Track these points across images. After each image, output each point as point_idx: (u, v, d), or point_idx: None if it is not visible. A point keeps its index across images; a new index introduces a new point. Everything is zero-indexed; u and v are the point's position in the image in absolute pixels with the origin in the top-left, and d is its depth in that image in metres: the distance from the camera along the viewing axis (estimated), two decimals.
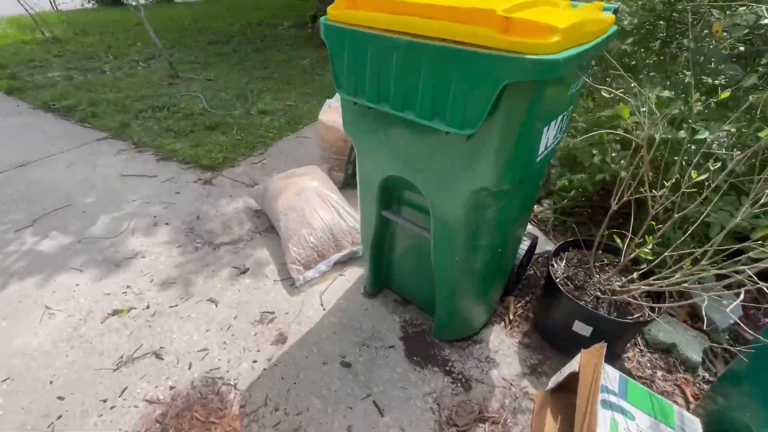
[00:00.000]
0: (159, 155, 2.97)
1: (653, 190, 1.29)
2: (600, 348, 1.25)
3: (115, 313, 1.71)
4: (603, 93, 1.40)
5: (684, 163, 1.59)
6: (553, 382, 1.37)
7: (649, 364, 1.58)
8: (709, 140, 1.50)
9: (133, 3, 4.81)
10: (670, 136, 1.36)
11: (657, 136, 1.26)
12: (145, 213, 2.35)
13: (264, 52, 5.61)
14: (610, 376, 1.24)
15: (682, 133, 1.55)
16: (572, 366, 1.30)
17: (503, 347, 1.63)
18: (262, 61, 5.19)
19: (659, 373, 1.54)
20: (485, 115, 0.91)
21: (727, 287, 1.51)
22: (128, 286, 1.85)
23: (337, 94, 2.48)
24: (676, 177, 1.27)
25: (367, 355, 1.57)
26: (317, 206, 2.00)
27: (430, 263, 1.49)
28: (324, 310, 1.76)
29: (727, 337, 1.64)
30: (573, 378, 1.29)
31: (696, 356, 1.55)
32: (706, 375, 1.53)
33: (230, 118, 3.51)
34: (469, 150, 1.03)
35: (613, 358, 1.57)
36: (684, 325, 1.68)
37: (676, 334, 1.62)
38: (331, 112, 2.45)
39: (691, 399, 1.46)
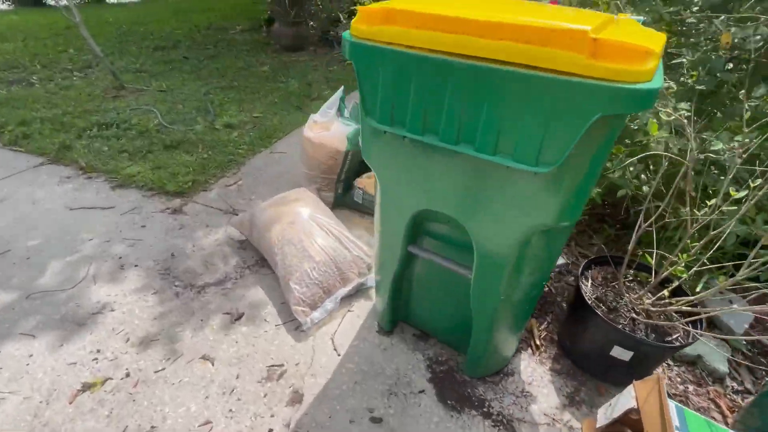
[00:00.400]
0: (113, 182, 2.60)
1: (694, 210, 1.26)
2: (658, 380, 1.18)
3: (87, 387, 1.41)
4: (662, 115, 1.34)
5: (693, 173, 1.59)
6: (605, 417, 1.29)
7: (679, 379, 1.56)
8: (721, 152, 1.50)
9: (64, 2, 4.23)
10: (708, 155, 1.33)
11: (693, 153, 1.22)
12: (106, 254, 2.01)
13: (219, 59, 5.20)
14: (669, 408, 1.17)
15: (692, 144, 1.54)
16: (627, 401, 1.23)
17: (536, 377, 1.54)
18: (219, 68, 4.80)
19: (691, 388, 1.53)
20: (568, 151, 0.79)
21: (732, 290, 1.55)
22: (98, 351, 1.54)
23: (322, 108, 2.29)
24: (714, 195, 1.24)
25: (398, 405, 1.40)
26: (316, 236, 1.81)
27: (457, 297, 1.37)
28: (339, 355, 1.57)
29: (744, 342, 1.66)
30: (628, 413, 1.21)
31: (723, 367, 1.55)
32: (734, 385, 1.54)
33: (192, 134, 3.17)
34: (534, 186, 0.91)
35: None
36: (704, 334, 1.68)
37: (699, 344, 1.61)
38: (317, 128, 2.25)
39: (726, 413, 1.45)
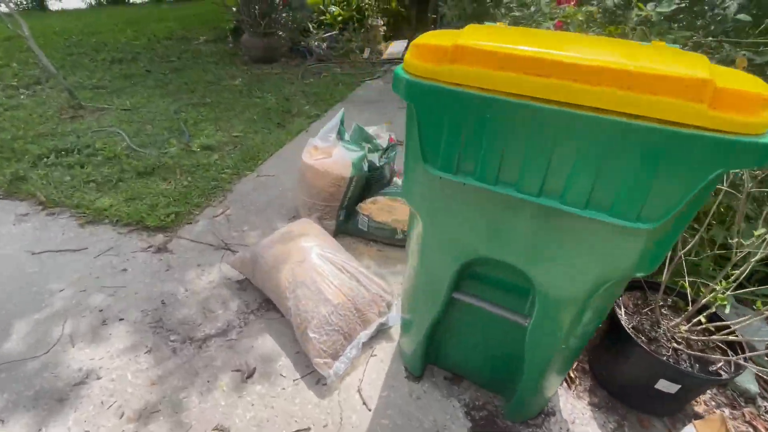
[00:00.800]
0: (82, 218, 2.30)
1: (742, 240, 1.24)
2: (723, 421, 1.15)
3: None
4: None
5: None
6: None
7: (713, 403, 1.54)
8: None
9: (3, 9, 3.79)
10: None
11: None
12: (83, 307, 1.75)
13: (185, 72, 4.89)
14: None
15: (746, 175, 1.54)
16: None
17: (577, 414, 1.47)
18: (187, 83, 4.50)
19: (727, 411, 1.52)
20: (678, 208, 0.71)
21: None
22: None
23: (322, 132, 2.14)
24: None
25: None
26: (330, 275, 1.65)
27: (499, 340, 1.28)
28: (369, 410, 1.43)
29: (766, 359, 1.69)
30: None
31: (753, 387, 1.56)
32: (766, 405, 1.55)
33: (167, 158, 2.91)
34: (619, 237, 0.83)
35: (686, 406, 1.51)
36: (751, 366, 1.68)
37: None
38: (318, 154, 2.10)
39: None
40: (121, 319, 1.70)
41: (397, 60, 6.02)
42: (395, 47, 6.39)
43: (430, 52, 0.82)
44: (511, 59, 0.74)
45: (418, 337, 1.40)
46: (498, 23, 1.19)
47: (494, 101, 0.77)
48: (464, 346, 1.44)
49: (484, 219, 0.95)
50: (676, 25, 1.59)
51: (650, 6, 1.39)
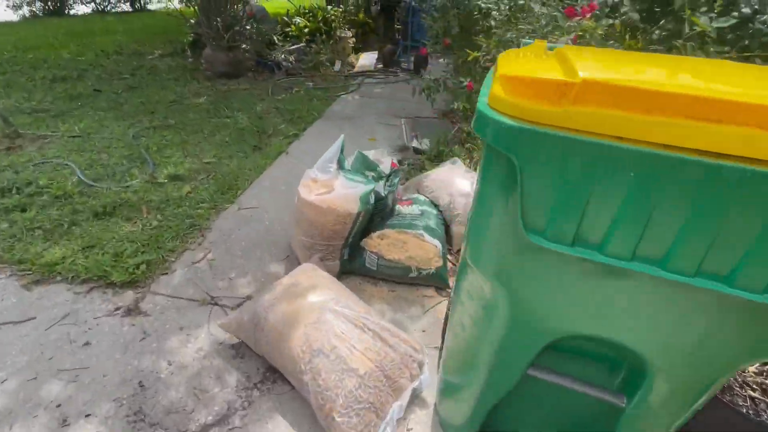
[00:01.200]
0: (26, 276, 1.89)
1: None
2: None
3: None
4: None
5: None
6: None
7: None
8: None
9: None
10: None
11: None
12: (34, 404, 1.37)
13: (142, 91, 4.43)
14: None
15: None
16: None
17: None
18: (145, 103, 4.06)
19: None
20: None
21: None
22: None
23: (320, 163, 1.89)
24: None
25: None
26: (352, 338, 1.39)
27: (574, 414, 1.08)
28: None
29: None
30: None
31: None
32: None
33: (130, 193, 2.52)
34: None
35: None
36: None
37: None
38: (318, 187, 1.83)
39: None
40: (87, 416, 1.34)
41: (369, 72, 5.85)
42: (366, 59, 6.22)
43: (539, 89, 0.61)
44: (667, 100, 0.54)
45: (472, 413, 1.17)
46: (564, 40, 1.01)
47: (643, 156, 0.56)
48: (524, 416, 1.23)
49: (595, 295, 0.74)
50: (709, 39, 1.49)
51: (704, 20, 1.28)
